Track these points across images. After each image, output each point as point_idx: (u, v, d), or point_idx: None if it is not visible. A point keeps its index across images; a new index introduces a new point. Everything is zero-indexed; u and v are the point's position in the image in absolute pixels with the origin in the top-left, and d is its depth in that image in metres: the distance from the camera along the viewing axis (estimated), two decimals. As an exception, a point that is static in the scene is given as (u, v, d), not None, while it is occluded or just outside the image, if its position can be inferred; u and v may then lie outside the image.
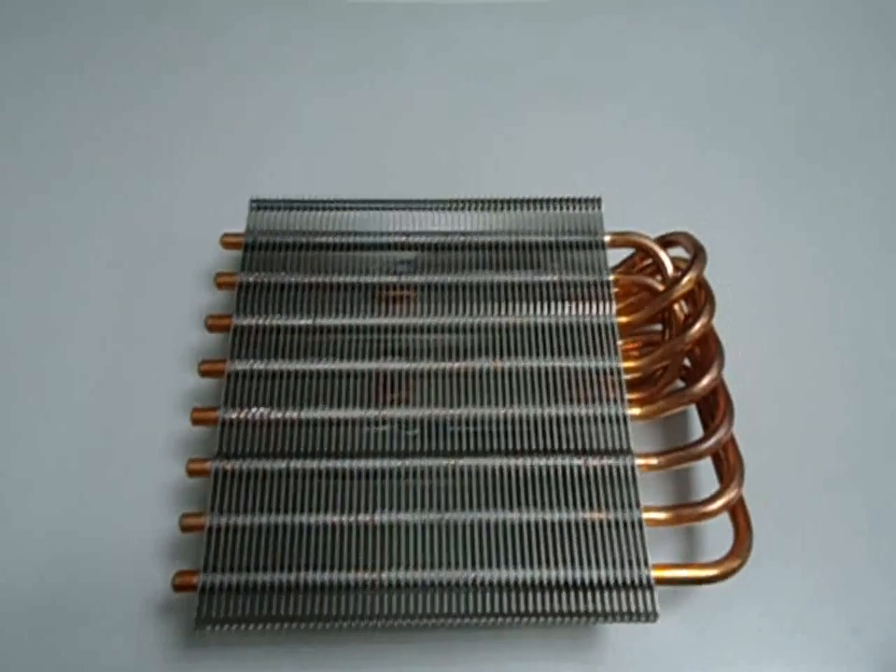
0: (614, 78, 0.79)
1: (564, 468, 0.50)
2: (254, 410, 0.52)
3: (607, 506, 0.49)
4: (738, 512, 0.51)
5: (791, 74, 0.79)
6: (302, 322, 0.55)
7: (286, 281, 0.57)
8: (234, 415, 0.52)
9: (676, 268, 0.58)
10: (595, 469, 0.50)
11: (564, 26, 0.82)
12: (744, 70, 0.80)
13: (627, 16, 0.83)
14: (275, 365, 0.53)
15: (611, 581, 0.46)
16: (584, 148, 0.73)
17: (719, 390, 0.54)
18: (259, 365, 0.53)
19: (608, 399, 0.53)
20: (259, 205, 0.60)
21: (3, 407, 0.59)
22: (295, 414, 0.52)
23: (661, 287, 0.57)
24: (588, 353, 0.54)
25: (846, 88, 0.79)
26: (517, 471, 0.50)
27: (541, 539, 0.48)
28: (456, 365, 0.54)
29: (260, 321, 0.55)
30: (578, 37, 0.81)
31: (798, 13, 0.83)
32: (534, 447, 0.51)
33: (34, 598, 0.51)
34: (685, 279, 0.56)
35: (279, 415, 0.52)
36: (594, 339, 0.55)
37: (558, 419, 0.52)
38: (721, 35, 0.82)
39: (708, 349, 0.55)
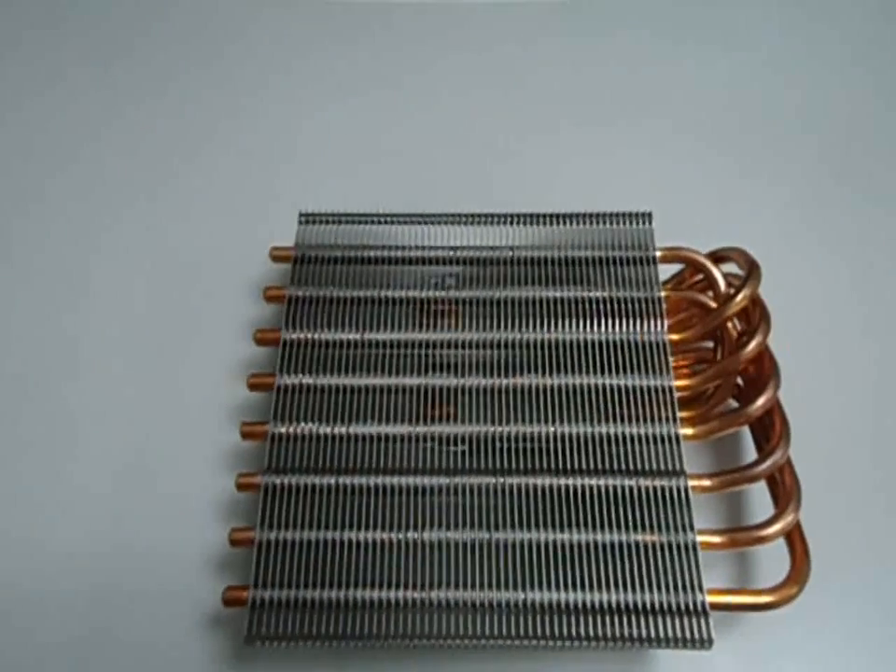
0: (656, 93, 0.78)
1: (615, 488, 0.49)
2: (303, 424, 0.52)
3: (659, 528, 0.48)
4: (795, 537, 0.49)
5: (835, 88, 0.78)
6: (350, 336, 0.55)
7: (334, 295, 0.57)
8: (283, 430, 0.52)
9: (728, 284, 0.57)
10: (646, 489, 0.49)
11: (606, 38, 0.81)
12: (789, 84, 0.78)
13: (672, 25, 0.82)
14: (324, 380, 0.53)
15: (665, 606, 0.46)
16: (626, 163, 0.73)
17: (774, 411, 0.52)
18: (307, 379, 0.53)
19: (659, 418, 0.52)
20: (307, 219, 0.60)
21: (53, 417, 0.59)
22: (343, 430, 0.52)
23: (713, 304, 0.56)
24: (639, 370, 0.53)
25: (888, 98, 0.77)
26: (567, 491, 0.49)
27: (592, 561, 0.47)
28: (504, 381, 0.54)
29: (309, 335, 0.55)
30: (620, 50, 0.81)
31: (839, 29, 0.82)
32: (584, 466, 0.50)
33: (82, 610, 0.52)
34: (740, 296, 0.55)
35: (328, 430, 0.52)
36: (644, 356, 0.54)
37: (608, 438, 0.51)
38: (768, 49, 0.81)
39: (763, 368, 0.54)
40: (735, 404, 0.57)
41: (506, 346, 0.55)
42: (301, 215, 0.60)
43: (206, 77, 0.79)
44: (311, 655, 0.50)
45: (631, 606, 0.46)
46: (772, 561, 0.50)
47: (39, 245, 0.68)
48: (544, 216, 0.60)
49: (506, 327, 0.56)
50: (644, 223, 0.60)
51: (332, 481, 0.50)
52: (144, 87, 0.78)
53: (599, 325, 0.55)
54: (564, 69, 0.79)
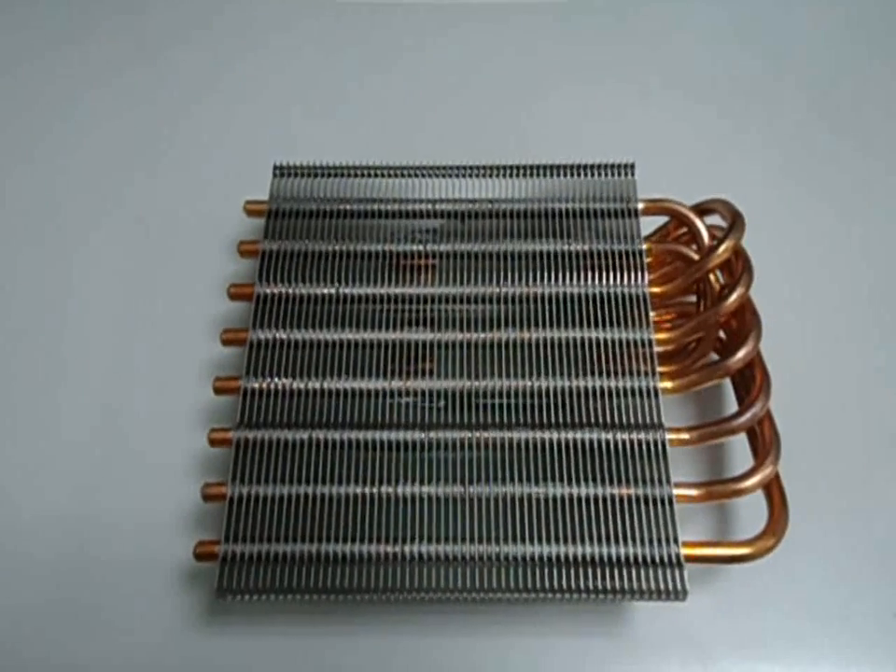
0: (641, 44, 0.76)
1: (592, 441, 0.49)
2: (276, 379, 0.51)
3: (636, 481, 0.47)
4: (774, 490, 0.49)
5: (822, 40, 0.76)
6: (326, 291, 0.54)
7: (309, 249, 0.56)
8: (256, 385, 0.51)
9: (712, 237, 0.56)
10: (624, 443, 0.49)
11: (596, 4, 0.79)
12: (774, 36, 0.76)
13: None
14: (298, 334, 0.53)
15: (640, 559, 0.45)
16: (611, 114, 0.71)
17: (755, 363, 0.52)
18: (281, 334, 0.52)
19: (638, 372, 0.51)
20: (282, 172, 0.59)
21: (25, 377, 0.59)
22: (318, 385, 0.51)
23: (696, 257, 0.55)
24: (619, 324, 0.52)
25: (876, 54, 0.75)
26: (544, 445, 0.49)
27: (568, 515, 0.47)
28: (483, 336, 0.53)
29: (283, 290, 0.54)
30: (609, 16, 0.79)
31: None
32: (562, 420, 0.50)
33: (56, 568, 0.52)
34: (721, 247, 0.53)
35: (301, 385, 0.51)
36: (625, 309, 0.53)
37: (587, 392, 0.50)
38: (749, 7, 0.79)
39: (745, 321, 0.53)
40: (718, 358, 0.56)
41: (484, 301, 0.54)
42: (275, 167, 0.59)
43: (181, 35, 0.77)
44: (285, 610, 0.50)
45: (607, 558, 0.45)
46: (752, 513, 0.50)
47: (13, 207, 0.67)
48: (525, 167, 0.59)
49: (485, 280, 0.55)
50: (627, 174, 0.58)
51: (306, 435, 0.49)
52: (120, 48, 0.76)
53: (579, 278, 0.54)
54: (548, 23, 0.77)
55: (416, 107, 0.71)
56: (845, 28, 0.77)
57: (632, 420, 0.50)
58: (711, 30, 0.77)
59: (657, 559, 0.45)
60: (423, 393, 0.51)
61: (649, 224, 0.58)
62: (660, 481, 0.47)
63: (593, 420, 0.50)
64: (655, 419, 0.49)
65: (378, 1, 0.78)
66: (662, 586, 0.45)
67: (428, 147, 0.63)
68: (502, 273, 0.55)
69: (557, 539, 0.46)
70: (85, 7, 0.78)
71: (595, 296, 0.54)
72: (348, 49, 0.76)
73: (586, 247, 0.55)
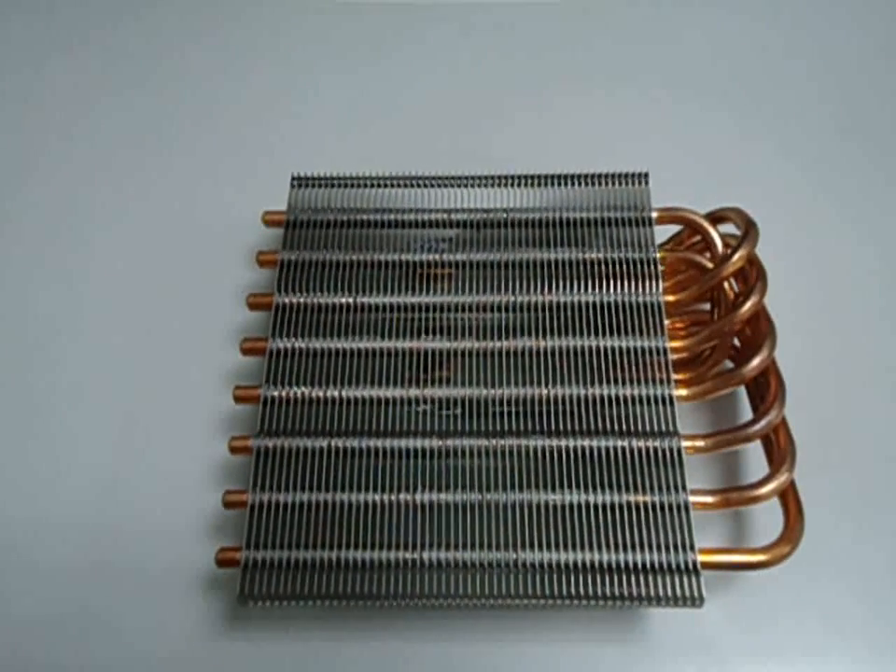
0: (654, 52, 0.76)
1: (608, 449, 0.49)
2: (295, 388, 0.52)
3: (652, 488, 0.48)
4: (789, 497, 0.49)
5: (838, 46, 0.76)
6: (344, 300, 0.55)
7: (327, 259, 0.56)
8: (276, 393, 0.52)
9: (726, 245, 0.56)
10: (640, 450, 0.49)
11: (607, 8, 0.80)
12: (789, 42, 0.77)
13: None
14: (317, 343, 0.53)
15: (657, 565, 0.46)
16: (624, 123, 0.72)
17: (770, 371, 0.52)
18: (300, 343, 0.53)
19: (653, 380, 0.51)
20: (299, 182, 0.60)
21: (46, 385, 0.60)
22: (336, 393, 0.52)
23: (710, 265, 0.56)
24: (634, 332, 0.53)
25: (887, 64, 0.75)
26: (560, 452, 0.49)
27: (585, 521, 0.47)
28: (499, 344, 0.53)
29: (302, 299, 0.55)
30: (616, 9, 0.79)
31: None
32: (578, 428, 0.50)
33: (78, 575, 0.52)
34: (736, 256, 0.54)
35: (320, 394, 0.52)
36: (639, 318, 0.53)
37: (602, 399, 0.51)
38: (762, 12, 0.79)
39: (759, 329, 0.53)
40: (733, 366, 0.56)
41: (501, 309, 0.55)
42: (293, 178, 0.60)
43: (198, 43, 0.78)
44: (305, 616, 0.50)
45: (623, 565, 0.46)
46: (767, 520, 0.50)
47: (31, 217, 0.68)
48: (540, 177, 0.60)
49: (501, 289, 0.55)
50: (641, 183, 0.59)
51: (325, 443, 0.50)
52: (135, 54, 0.77)
53: (594, 286, 0.55)
54: (560, 30, 0.78)
55: (430, 117, 0.72)
56: (860, 34, 0.77)
57: (647, 427, 0.50)
58: (724, 36, 0.77)
59: (674, 566, 0.45)
60: (439, 401, 0.52)
61: (663, 232, 0.59)
62: (676, 488, 0.48)
63: (609, 428, 0.50)
64: (671, 426, 0.50)
65: (391, 4, 0.79)
66: (678, 593, 0.45)
67: (443, 157, 0.64)
68: (517, 282, 0.55)
69: (574, 546, 0.46)
70: (103, 11, 0.80)
71: (609, 304, 0.54)
72: (365, 58, 0.76)
73: (601, 256, 0.56)
